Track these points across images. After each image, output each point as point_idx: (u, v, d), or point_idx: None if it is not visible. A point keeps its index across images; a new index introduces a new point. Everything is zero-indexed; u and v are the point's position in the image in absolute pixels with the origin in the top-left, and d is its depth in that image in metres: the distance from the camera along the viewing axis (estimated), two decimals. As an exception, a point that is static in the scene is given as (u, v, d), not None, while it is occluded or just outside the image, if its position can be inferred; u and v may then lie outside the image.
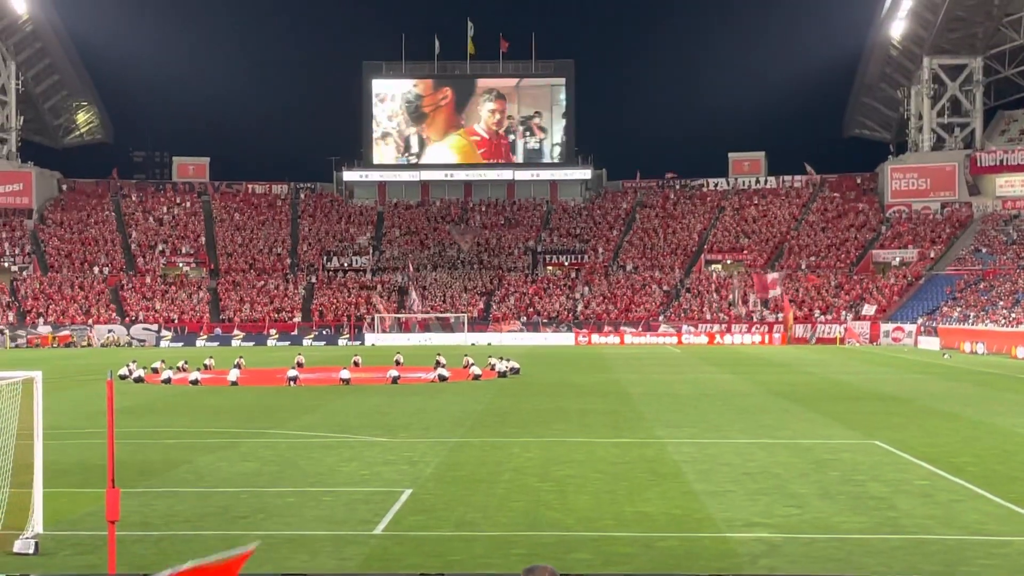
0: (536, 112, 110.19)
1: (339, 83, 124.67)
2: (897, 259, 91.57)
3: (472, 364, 48.17)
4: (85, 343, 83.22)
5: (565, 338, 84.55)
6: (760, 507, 17.57)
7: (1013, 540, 15.41)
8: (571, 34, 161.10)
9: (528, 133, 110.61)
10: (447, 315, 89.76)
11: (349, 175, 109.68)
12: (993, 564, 13.99)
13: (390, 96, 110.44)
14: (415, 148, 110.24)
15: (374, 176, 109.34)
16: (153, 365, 49.09)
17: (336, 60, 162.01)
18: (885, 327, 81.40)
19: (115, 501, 13.04)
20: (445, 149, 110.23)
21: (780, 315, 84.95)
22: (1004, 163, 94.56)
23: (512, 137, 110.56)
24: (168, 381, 44.44)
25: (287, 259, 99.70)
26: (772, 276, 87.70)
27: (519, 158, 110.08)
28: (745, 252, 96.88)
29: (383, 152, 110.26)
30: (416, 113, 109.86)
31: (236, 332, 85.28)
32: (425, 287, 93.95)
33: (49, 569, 13.87)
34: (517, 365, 49.17)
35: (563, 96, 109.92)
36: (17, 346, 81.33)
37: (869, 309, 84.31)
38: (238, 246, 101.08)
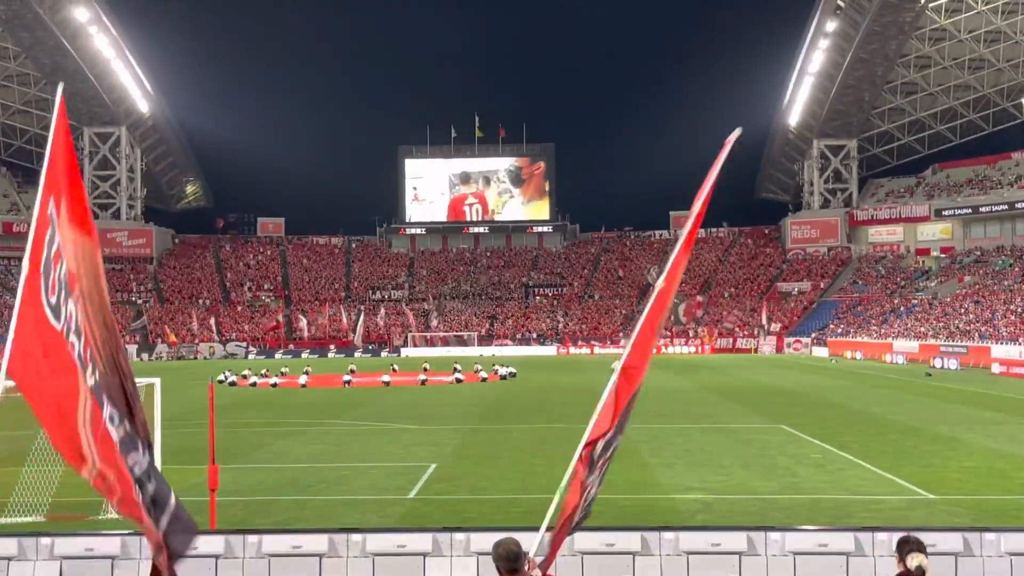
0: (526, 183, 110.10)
1: (382, 159, 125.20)
2: (796, 289, 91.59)
3: (481, 370, 48.01)
4: (193, 356, 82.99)
5: (550, 350, 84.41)
6: (697, 475, 17.51)
7: (886, 499, 15.37)
8: (552, 117, 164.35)
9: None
10: (462, 333, 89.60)
11: (389, 230, 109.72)
12: (870, 517, 13.95)
13: (420, 171, 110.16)
14: (439, 209, 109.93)
15: (408, 231, 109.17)
16: (243, 372, 48.93)
17: (379, 142, 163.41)
18: (788, 340, 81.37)
19: (215, 475, 12.99)
20: (464, 209, 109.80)
21: (704, 330, 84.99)
22: (874, 218, 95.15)
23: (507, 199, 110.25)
24: (254, 384, 44.33)
25: (342, 292, 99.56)
26: (700, 299, 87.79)
27: (513, 216, 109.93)
28: (683, 285, 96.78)
29: (414, 212, 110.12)
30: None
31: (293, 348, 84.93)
32: (445, 313, 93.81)
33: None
34: (514, 370, 49.04)
35: (546, 172, 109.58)
36: (142, 360, 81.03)
37: (775, 327, 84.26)
38: (306, 283, 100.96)
